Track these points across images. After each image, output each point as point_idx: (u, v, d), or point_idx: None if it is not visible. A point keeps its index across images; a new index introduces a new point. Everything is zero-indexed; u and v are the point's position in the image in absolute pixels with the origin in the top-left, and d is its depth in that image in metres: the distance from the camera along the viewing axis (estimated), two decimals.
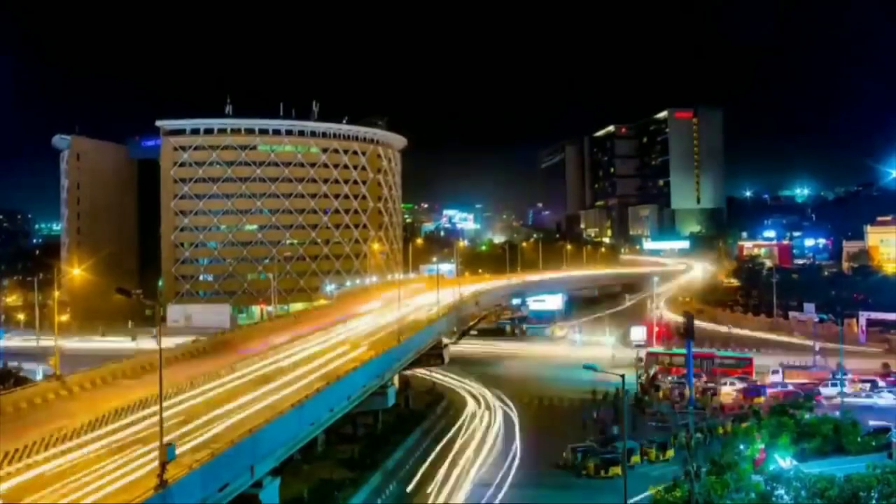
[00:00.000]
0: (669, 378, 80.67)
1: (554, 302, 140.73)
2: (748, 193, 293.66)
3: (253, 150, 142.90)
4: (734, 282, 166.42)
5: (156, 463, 26.60)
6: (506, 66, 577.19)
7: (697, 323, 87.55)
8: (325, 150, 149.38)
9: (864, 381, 71.70)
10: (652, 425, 64.85)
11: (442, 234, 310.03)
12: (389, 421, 64.99)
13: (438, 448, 59.13)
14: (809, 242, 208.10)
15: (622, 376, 42.21)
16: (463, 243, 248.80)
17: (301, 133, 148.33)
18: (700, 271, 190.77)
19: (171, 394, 38.91)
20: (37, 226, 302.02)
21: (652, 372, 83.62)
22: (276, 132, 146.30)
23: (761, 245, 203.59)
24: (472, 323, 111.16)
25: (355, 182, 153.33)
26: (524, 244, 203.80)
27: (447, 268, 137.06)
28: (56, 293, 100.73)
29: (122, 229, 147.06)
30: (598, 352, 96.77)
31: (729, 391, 74.96)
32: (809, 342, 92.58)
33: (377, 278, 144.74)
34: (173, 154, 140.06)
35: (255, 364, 51.14)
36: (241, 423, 35.56)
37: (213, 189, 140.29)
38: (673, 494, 38.81)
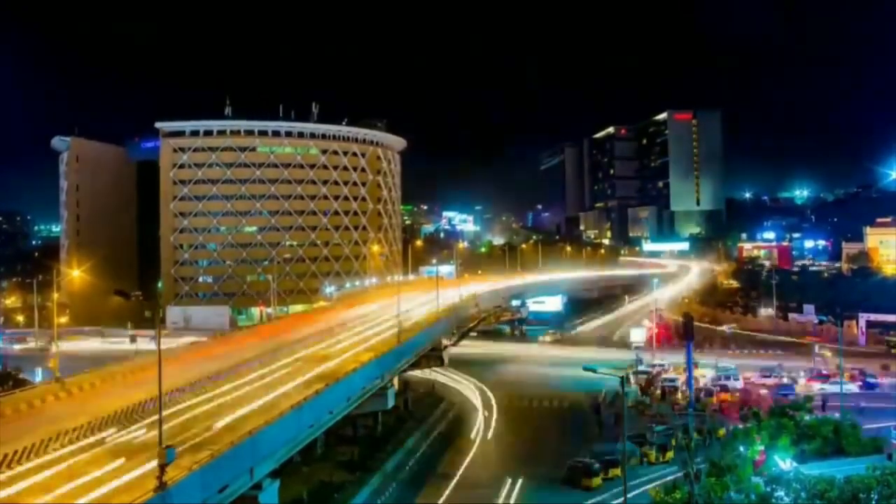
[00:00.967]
0: (663, 377, 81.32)
1: (553, 303, 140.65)
2: (748, 195, 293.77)
3: (252, 151, 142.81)
4: (734, 283, 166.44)
5: (155, 463, 26.56)
6: (505, 68, 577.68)
7: (697, 324, 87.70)
8: (324, 152, 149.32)
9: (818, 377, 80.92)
10: (652, 427, 64.78)
11: (441, 235, 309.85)
12: (389, 423, 64.94)
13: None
14: (809, 244, 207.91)
15: (622, 378, 42.11)
16: (462, 245, 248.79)
17: (300, 134, 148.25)
18: (699, 273, 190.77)
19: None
20: (36, 227, 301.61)
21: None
22: (276, 134, 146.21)
23: (761, 246, 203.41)
24: (471, 325, 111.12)
25: (355, 184, 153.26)
26: (524, 246, 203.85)
27: (447, 269, 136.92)
28: (55, 295, 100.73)
29: (121, 231, 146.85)
30: (596, 354, 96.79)
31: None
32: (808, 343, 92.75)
33: (377, 280, 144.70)
34: (173, 156, 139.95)
35: None
36: (239, 424, 35.51)
37: (212, 191, 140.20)
38: (673, 496, 38.76)
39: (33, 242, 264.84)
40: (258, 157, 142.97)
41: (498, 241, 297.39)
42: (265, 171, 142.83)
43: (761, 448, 48.68)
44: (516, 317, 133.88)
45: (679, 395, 74.74)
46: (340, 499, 47.75)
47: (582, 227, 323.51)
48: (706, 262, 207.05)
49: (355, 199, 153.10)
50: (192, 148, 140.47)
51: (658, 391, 77.28)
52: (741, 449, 48.44)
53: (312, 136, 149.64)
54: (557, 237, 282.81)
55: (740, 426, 57.50)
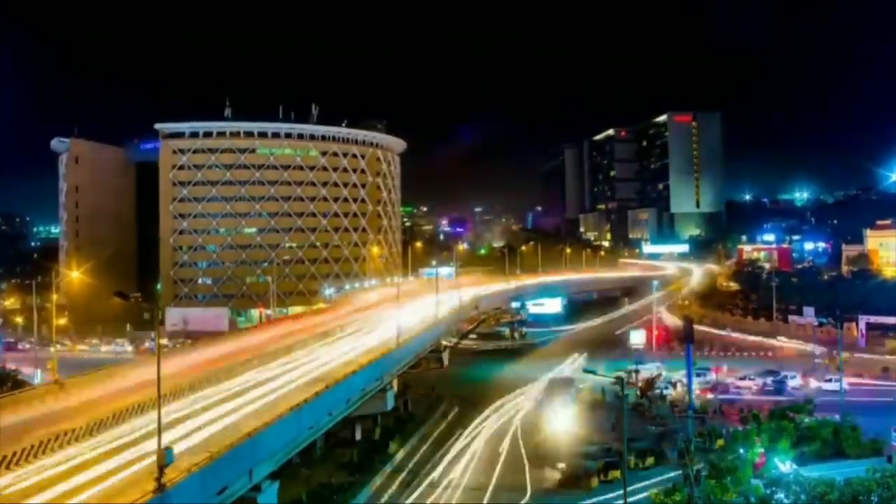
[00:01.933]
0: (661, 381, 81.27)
1: (553, 306, 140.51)
2: (747, 197, 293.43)
3: (252, 153, 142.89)
4: (734, 285, 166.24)
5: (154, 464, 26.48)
6: (505, 70, 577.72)
7: (697, 327, 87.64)
8: (324, 154, 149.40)
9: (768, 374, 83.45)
10: (651, 429, 64.67)
11: (441, 237, 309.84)
12: (388, 424, 64.74)
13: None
14: (809, 246, 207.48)
15: (621, 380, 42.08)
16: (462, 247, 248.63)
17: (300, 136, 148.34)
18: (699, 275, 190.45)
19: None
20: (35, 229, 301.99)
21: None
22: (276, 135, 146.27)
23: (761, 249, 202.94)
24: (471, 326, 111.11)
25: (354, 185, 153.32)
26: (523, 247, 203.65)
27: (446, 271, 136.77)
28: (54, 296, 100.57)
29: (120, 232, 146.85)
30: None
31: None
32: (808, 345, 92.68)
33: (376, 281, 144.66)
34: (172, 157, 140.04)
35: None
36: (239, 426, 35.42)
37: (211, 192, 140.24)
38: (672, 498, 38.73)
39: (32, 244, 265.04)
40: (258, 158, 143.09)
41: (497, 242, 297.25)
42: (265, 172, 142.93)
43: (761, 450, 48.64)
44: (516, 319, 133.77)
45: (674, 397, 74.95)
46: (339, 500, 47.64)
47: (582, 229, 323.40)
48: (706, 264, 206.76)
49: (355, 200, 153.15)
50: (191, 149, 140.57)
51: (657, 393, 77.18)
52: (741, 451, 48.40)
53: (312, 137, 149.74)
54: (557, 239, 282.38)
55: (740, 428, 57.46)
